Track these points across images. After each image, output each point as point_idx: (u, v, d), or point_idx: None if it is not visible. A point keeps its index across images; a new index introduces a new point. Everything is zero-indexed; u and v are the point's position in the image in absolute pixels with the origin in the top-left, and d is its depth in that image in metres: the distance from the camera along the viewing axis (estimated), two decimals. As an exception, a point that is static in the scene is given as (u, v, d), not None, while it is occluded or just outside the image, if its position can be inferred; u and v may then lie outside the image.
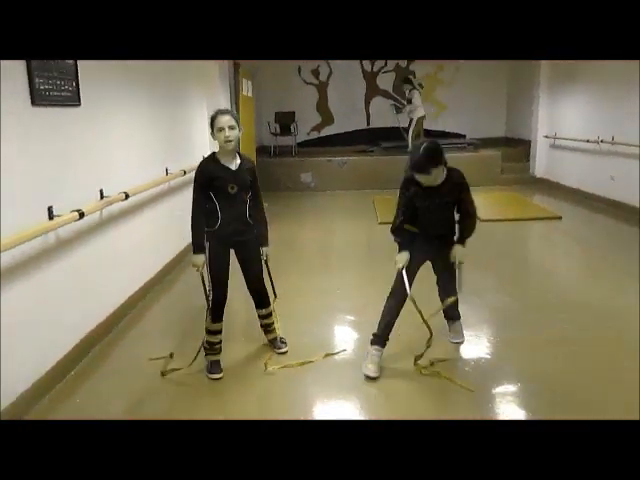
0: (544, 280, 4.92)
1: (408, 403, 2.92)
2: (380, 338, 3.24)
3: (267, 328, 3.50)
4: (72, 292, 3.33)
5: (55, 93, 3.09)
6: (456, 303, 3.51)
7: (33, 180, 2.93)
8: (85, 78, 3.41)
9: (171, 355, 3.38)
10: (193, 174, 5.02)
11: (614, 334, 3.63)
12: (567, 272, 5.24)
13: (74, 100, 3.31)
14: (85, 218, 3.28)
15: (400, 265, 3.13)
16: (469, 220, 3.18)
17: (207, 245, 3.11)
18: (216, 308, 3.18)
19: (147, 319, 4.13)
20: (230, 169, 3.05)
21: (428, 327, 3.12)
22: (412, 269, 3.21)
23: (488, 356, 3.39)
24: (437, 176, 3.02)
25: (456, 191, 3.12)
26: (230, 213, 3.07)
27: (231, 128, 2.97)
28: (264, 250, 3.31)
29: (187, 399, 3.02)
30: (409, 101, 10.48)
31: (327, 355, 3.38)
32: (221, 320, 3.22)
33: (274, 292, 3.49)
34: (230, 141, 2.98)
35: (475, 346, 3.51)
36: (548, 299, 4.32)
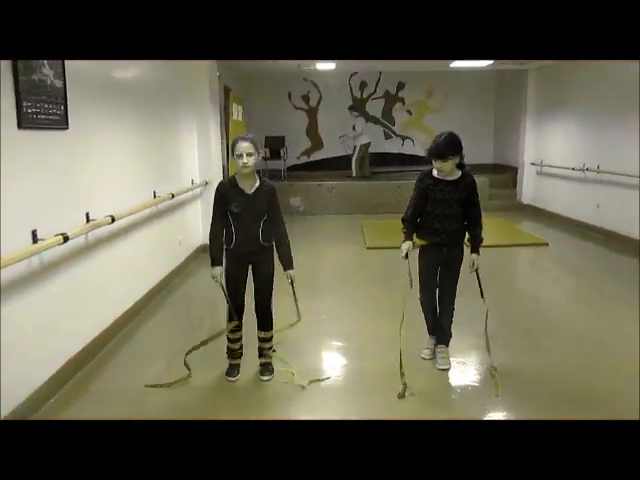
0: (531, 306, 4.93)
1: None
2: (431, 329, 3.63)
3: (262, 352, 3.52)
4: (56, 316, 3.28)
5: (42, 116, 3.08)
6: (449, 326, 3.53)
7: (18, 203, 2.90)
8: (74, 102, 3.41)
9: (169, 384, 3.33)
10: (181, 198, 5.02)
11: (601, 360, 3.64)
12: (554, 298, 5.26)
13: (62, 124, 3.30)
14: (71, 241, 3.26)
15: (403, 253, 3.35)
16: (478, 228, 3.43)
17: (225, 262, 3.33)
18: (232, 319, 3.36)
19: (133, 344, 4.07)
20: (245, 193, 3.19)
21: (402, 375, 3.23)
22: (429, 271, 3.49)
23: (475, 383, 3.37)
24: (452, 168, 3.26)
25: (467, 191, 3.34)
26: (244, 234, 3.23)
27: (249, 155, 3.10)
28: (289, 273, 3.38)
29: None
30: (353, 127, 11.09)
31: (312, 382, 3.34)
32: (239, 330, 3.41)
33: (298, 313, 3.60)
34: (247, 167, 3.11)
35: (462, 373, 3.49)
36: (535, 325, 4.33)
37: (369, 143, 10.97)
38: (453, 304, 3.54)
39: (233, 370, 3.47)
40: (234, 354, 3.48)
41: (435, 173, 3.35)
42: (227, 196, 3.20)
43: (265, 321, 3.46)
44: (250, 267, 3.35)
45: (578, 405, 3.06)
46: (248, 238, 3.24)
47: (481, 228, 3.45)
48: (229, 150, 3.24)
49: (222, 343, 3.48)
